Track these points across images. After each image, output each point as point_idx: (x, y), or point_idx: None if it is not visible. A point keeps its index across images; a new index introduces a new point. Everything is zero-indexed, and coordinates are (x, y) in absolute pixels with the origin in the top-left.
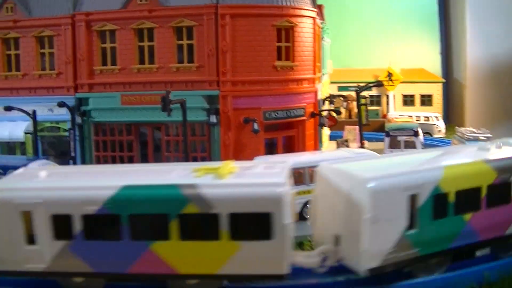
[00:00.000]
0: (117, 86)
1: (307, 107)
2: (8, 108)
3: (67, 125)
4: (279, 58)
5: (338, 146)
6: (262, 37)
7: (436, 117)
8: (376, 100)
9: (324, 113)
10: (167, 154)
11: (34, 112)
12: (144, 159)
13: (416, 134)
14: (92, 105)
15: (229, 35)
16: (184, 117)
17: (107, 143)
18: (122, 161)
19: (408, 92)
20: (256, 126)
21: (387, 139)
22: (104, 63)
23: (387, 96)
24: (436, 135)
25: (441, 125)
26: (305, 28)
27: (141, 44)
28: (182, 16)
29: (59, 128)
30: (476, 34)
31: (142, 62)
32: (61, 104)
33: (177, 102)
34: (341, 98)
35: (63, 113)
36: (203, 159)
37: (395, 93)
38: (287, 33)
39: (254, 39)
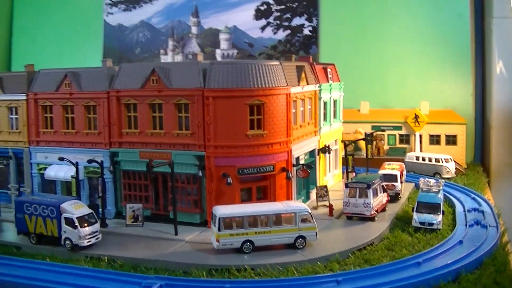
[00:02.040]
0: (137, 144)
1: (278, 164)
2: (61, 158)
3: (106, 172)
4: (252, 128)
5: (317, 191)
6: (237, 112)
7: (447, 159)
8: (405, 139)
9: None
10: (171, 196)
11: (77, 162)
12: (157, 198)
13: (368, 187)
14: (120, 157)
15: (212, 111)
16: (172, 172)
17: (131, 185)
18: (140, 199)
19: (435, 132)
20: (229, 180)
21: (346, 190)
22: (129, 127)
23: (415, 136)
24: (445, 176)
25: (450, 166)
26: (276, 103)
27: (154, 114)
28: (181, 96)
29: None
30: (503, 76)
31: (154, 127)
32: (90, 161)
33: (164, 164)
34: (352, 143)
35: (104, 162)
36: (195, 202)
37: (422, 133)
38: (258, 109)
39: (230, 114)
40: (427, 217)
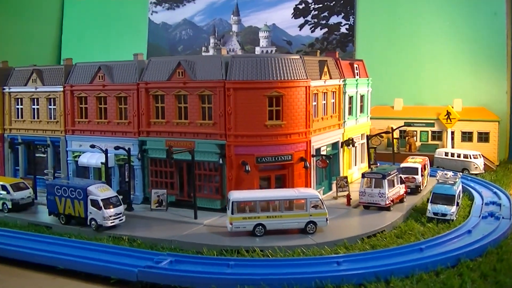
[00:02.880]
0: (164, 133)
1: (296, 153)
2: (92, 146)
3: (134, 159)
4: (271, 118)
5: (337, 181)
6: (256, 103)
7: (475, 155)
8: (437, 136)
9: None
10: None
11: (106, 150)
12: (181, 185)
13: (384, 177)
14: (148, 146)
15: (232, 102)
16: (193, 159)
17: (157, 172)
18: (166, 186)
19: (467, 129)
20: (247, 167)
21: (362, 180)
22: (157, 117)
23: (447, 132)
24: (473, 172)
25: (479, 162)
26: (294, 95)
27: (179, 105)
28: (204, 88)
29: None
30: None
31: (180, 117)
32: (117, 147)
33: (184, 151)
34: (379, 137)
35: (132, 150)
36: (216, 188)
37: (454, 130)
38: (277, 100)
39: (250, 105)
40: (441, 208)
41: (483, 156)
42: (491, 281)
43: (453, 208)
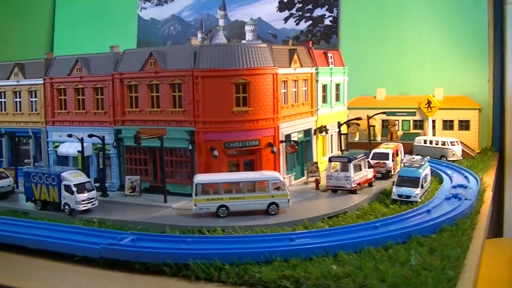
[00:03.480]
0: (138, 122)
1: (263, 139)
2: (69, 135)
3: (110, 148)
4: (238, 105)
5: (307, 167)
6: (224, 90)
7: (452, 142)
8: (419, 125)
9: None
10: (167, 169)
11: (82, 138)
12: (155, 172)
13: (349, 161)
14: (123, 134)
15: (200, 90)
16: (161, 145)
17: (132, 160)
18: (141, 173)
19: (448, 117)
20: (215, 153)
21: (328, 164)
22: (131, 106)
23: (428, 121)
24: (451, 158)
25: (456, 149)
26: (261, 82)
27: (152, 94)
28: (174, 77)
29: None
30: None
31: (152, 106)
32: (91, 135)
33: (152, 138)
34: (355, 125)
35: (108, 139)
36: (187, 174)
37: (436, 118)
38: (244, 87)
39: (218, 92)
40: (405, 190)
41: (462, 143)
42: (438, 255)
43: (418, 190)
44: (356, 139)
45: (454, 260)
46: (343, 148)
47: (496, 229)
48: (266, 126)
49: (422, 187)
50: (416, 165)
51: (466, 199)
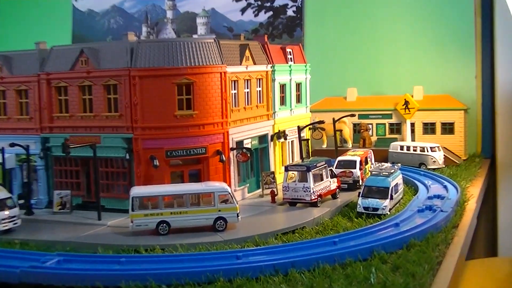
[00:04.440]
0: (68, 129)
1: (211, 146)
2: None
3: (37, 159)
4: (181, 108)
5: (262, 177)
6: (165, 92)
7: (433, 147)
8: (396, 128)
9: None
10: (101, 182)
11: (3, 148)
12: (88, 185)
13: (308, 169)
14: (52, 143)
15: (138, 91)
16: (94, 155)
17: (62, 172)
18: (72, 187)
19: (429, 120)
20: (155, 162)
21: (285, 173)
22: (60, 111)
23: (407, 124)
24: (431, 166)
25: (437, 156)
26: (207, 82)
27: (84, 97)
28: (109, 77)
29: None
30: (506, 56)
31: (84, 111)
32: (12, 144)
33: (83, 145)
34: (320, 130)
35: (34, 148)
36: (125, 187)
37: (415, 121)
38: (187, 88)
39: (158, 94)
40: (372, 201)
41: (445, 149)
42: (402, 273)
43: (386, 202)
44: (324, 146)
45: (420, 278)
46: (303, 156)
47: (491, 248)
48: (213, 131)
49: (391, 198)
50: (385, 173)
51: (441, 210)
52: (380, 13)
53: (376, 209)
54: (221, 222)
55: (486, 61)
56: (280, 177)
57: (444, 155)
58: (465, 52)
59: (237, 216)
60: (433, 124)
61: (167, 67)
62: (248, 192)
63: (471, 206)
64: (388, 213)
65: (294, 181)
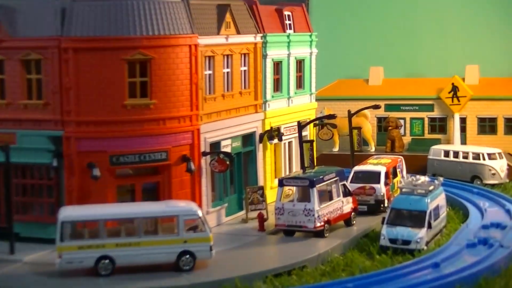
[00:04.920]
0: None
1: (175, 150)
2: None
3: None
4: (133, 96)
5: (247, 194)
6: (110, 72)
7: (492, 154)
8: (439, 125)
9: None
10: (16, 199)
11: None
12: None
13: (311, 184)
14: None
15: (72, 70)
16: (7, 160)
17: None
18: None
19: (488, 113)
20: (95, 172)
21: (279, 189)
22: None
23: (455, 119)
24: (488, 181)
25: (498, 166)
26: (171, 59)
27: None
28: (29, 48)
29: None
30: None
31: None
32: None
33: None
34: (327, 127)
35: None
36: (51, 206)
37: (467, 115)
38: (142, 67)
39: (100, 75)
40: (402, 231)
41: (511, 156)
42: None
43: (422, 232)
44: (335, 149)
45: None
46: (305, 164)
47: None
48: (179, 129)
49: (429, 226)
50: (420, 191)
51: (501, 246)
52: None
53: (408, 242)
54: (188, 258)
55: None
56: (272, 194)
57: (508, 165)
58: None
59: (210, 249)
60: (493, 119)
61: (113, 36)
62: (227, 215)
63: None
64: (425, 248)
65: (292, 201)
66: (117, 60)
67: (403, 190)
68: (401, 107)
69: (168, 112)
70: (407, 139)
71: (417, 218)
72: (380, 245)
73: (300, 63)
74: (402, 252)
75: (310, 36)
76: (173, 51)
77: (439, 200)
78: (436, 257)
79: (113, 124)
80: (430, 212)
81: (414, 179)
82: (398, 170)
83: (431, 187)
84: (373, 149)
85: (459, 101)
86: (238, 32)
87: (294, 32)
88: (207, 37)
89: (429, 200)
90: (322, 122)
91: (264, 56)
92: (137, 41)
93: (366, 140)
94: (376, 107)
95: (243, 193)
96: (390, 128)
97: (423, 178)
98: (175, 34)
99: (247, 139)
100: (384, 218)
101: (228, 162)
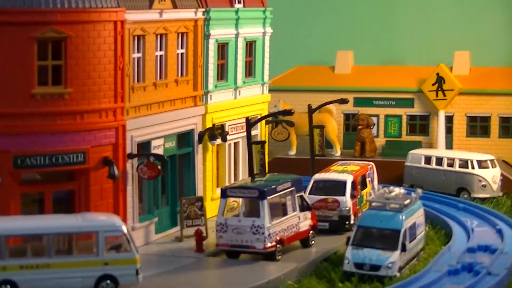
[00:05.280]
0: None
1: (95, 150)
2: None
3: None
4: (43, 83)
5: (182, 206)
6: (15, 54)
7: (483, 161)
8: (420, 125)
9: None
10: None
11: None
12: None
13: (262, 195)
14: None
15: None
16: None
17: None
18: None
19: (478, 111)
20: None
21: (221, 201)
22: None
23: (440, 118)
24: (477, 194)
25: (489, 176)
26: (91, 38)
27: None
28: None
29: None
30: None
31: None
32: None
33: None
34: (286, 125)
35: None
36: None
37: (454, 112)
38: (56, 47)
39: (2, 57)
40: (371, 254)
41: (506, 163)
42: None
43: (395, 256)
44: (292, 152)
45: None
46: (255, 171)
47: None
48: (99, 125)
49: (404, 249)
50: (394, 205)
51: (489, 273)
52: None
53: (377, 268)
54: (109, 285)
55: None
56: (213, 207)
57: (503, 175)
58: None
59: (137, 273)
60: (485, 119)
61: (19, 8)
62: (157, 233)
63: None
64: (398, 274)
65: (237, 215)
66: (24, 38)
67: (373, 204)
68: (374, 102)
69: (86, 104)
70: (380, 141)
71: (389, 239)
72: (344, 270)
73: (250, 45)
74: (370, 280)
75: (264, 12)
76: (94, 28)
77: (416, 217)
78: (411, 286)
79: (18, 118)
80: (405, 231)
81: (387, 191)
82: (368, 179)
83: (407, 201)
84: (339, 153)
85: (445, 95)
86: (175, 6)
87: (244, 7)
88: (136, 11)
89: (404, 217)
90: (277, 118)
91: (207, 36)
92: (49, 15)
93: (330, 142)
94: (343, 101)
95: (177, 205)
96: (360, 127)
97: (398, 190)
98: (96, 7)
99: (184, 138)
100: (349, 238)
101: (159, 167)
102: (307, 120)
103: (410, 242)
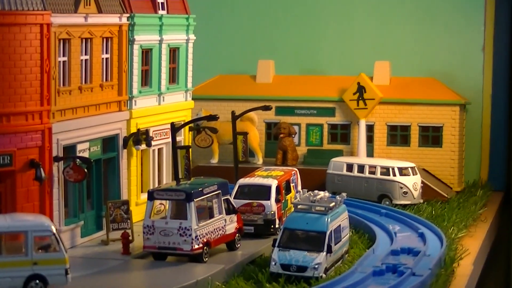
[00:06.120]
0: None
1: (21, 153)
2: None
3: None
4: None
5: (108, 209)
6: None
7: (404, 169)
8: (341, 134)
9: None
10: None
11: None
12: None
13: (189, 197)
14: None
15: None
16: None
17: None
18: None
19: (400, 120)
20: None
21: (148, 204)
22: None
23: (361, 127)
24: (399, 201)
25: (410, 183)
26: (17, 40)
27: None
28: None
29: None
30: None
31: None
32: None
33: None
34: (205, 131)
35: None
36: None
37: (375, 121)
38: None
39: None
40: (297, 256)
41: (426, 172)
42: None
43: (320, 257)
44: (214, 161)
45: None
46: (180, 176)
47: None
48: (26, 127)
49: (329, 251)
50: (319, 208)
51: (413, 274)
52: None
53: (303, 269)
54: (38, 284)
55: (502, 22)
56: (138, 212)
57: (423, 182)
58: (467, 8)
59: (66, 273)
60: (405, 128)
61: None
62: (82, 236)
63: (466, 269)
64: (324, 276)
65: (164, 218)
66: None
67: (299, 206)
68: (296, 111)
69: (12, 107)
70: (302, 149)
71: (314, 240)
72: (271, 271)
73: (174, 52)
74: (296, 280)
75: (187, 19)
76: (20, 30)
77: (341, 220)
78: (337, 286)
79: None
80: (331, 233)
81: (312, 194)
82: (292, 184)
83: (332, 204)
84: (261, 161)
85: (365, 104)
86: (100, 11)
87: (168, 13)
88: (62, 15)
89: (329, 219)
90: (199, 126)
91: (131, 42)
92: None
93: (252, 150)
94: (267, 108)
95: (102, 209)
96: (281, 136)
97: (323, 194)
98: (22, 10)
99: (109, 143)
100: (275, 240)
101: (85, 170)
102: (229, 129)
103: (336, 244)
